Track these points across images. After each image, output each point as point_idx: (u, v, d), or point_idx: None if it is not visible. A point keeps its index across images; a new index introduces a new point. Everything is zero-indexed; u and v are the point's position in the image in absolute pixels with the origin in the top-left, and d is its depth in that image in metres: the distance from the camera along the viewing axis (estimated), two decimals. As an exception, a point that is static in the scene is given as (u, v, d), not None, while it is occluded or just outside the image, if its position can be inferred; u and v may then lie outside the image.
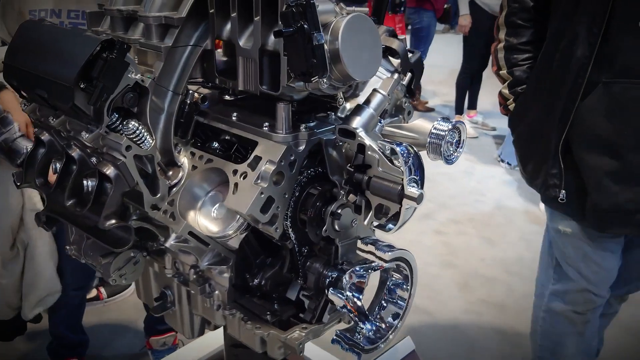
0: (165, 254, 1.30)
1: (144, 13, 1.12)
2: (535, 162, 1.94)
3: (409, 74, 1.26)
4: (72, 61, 1.00)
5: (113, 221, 1.09)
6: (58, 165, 1.17)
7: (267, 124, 1.10)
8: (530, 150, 1.98)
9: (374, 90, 1.11)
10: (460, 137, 1.14)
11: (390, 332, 1.19)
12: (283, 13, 0.93)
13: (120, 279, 1.33)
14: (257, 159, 1.07)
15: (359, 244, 1.13)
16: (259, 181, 1.04)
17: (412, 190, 1.00)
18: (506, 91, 2.05)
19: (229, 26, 1.11)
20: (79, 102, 1.00)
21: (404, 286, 1.20)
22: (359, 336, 1.16)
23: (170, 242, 1.13)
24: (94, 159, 1.12)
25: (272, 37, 1.05)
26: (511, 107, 2.05)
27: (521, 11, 1.94)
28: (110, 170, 1.06)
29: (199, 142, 1.20)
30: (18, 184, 1.26)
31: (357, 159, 1.07)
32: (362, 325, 1.17)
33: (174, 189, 1.14)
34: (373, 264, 1.12)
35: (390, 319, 1.22)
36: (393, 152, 1.04)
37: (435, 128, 1.11)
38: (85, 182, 1.09)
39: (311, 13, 0.92)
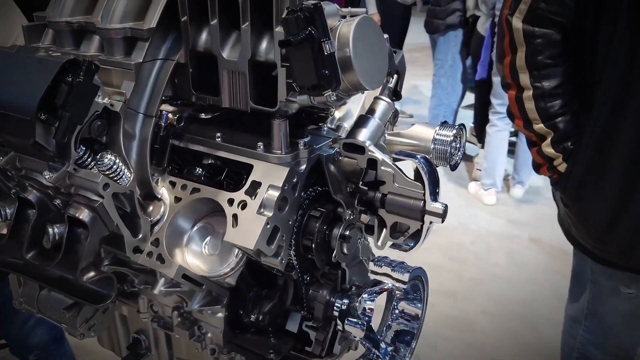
0: (139, 296, 1.14)
1: (103, 25, 0.95)
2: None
3: (395, 76, 1.17)
4: (30, 89, 0.82)
5: (92, 274, 0.93)
6: (8, 212, 0.97)
7: (260, 143, 0.97)
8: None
9: (377, 98, 1.01)
10: (461, 140, 1.07)
11: (408, 354, 1.11)
12: (287, 19, 0.81)
13: (89, 332, 1.16)
14: (256, 184, 0.94)
15: (372, 267, 1.03)
16: (262, 210, 0.92)
17: (436, 205, 0.92)
18: (551, 150, 1.54)
19: (206, 35, 0.97)
20: (39, 137, 0.83)
21: (416, 304, 1.12)
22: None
23: (160, 288, 0.97)
24: (57, 202, 0.94)
25: (263, 47, 0.93)
26: (561, 167, 1.56)
27: (548, 47, 1.45)
28: (84, 214, 0.89)
29: (176, 169, 1.05)
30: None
31: (367, 176, 0.97)
32: (377, 353, 1.08)
33: (156, 227, 0.99)
34: (386, 286, 1.03)
35: (401, 340, 1.14)
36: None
37: (438, 134, 1.03)
38: (50, 229, 0.91)
39: (320, 18, 0.81)
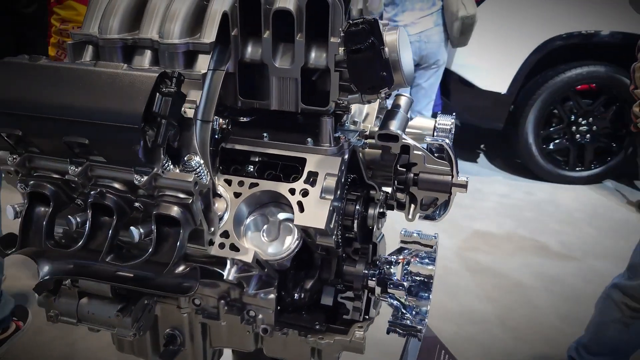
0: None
1: (166, 40, 1.04)
2: None
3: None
4: (130, 100, 0.90)
5: (183, 267, 1.01)
6: (78, 220, 1.02)
7: (309, 139, 1.12)
8: None
9: (399, 94, 1.20)
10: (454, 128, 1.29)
11: (427, 305, 1.30)
12: (352, 31, 0.98)
13: (139, 331, 1.22)
14: (313, 174, 1.09)
15: (402, 237, 1.22)
16: (323, 195, 1.07)
17: (461, 178, 1.13)
18: (637, 109, 2.08)
19: (256, 47, 1.10)
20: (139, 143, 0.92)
21: (429, 264, 1.31)
22: (405, 320, 1.26)
23: (233, 274, 1.08)
24: (137, 204, 1.01)
25: (314, 55, 1.07)
26: None
27: None
28: (176, 212, 0.98)
29: (224, 168, 1.16)
30: (8, 251, 1.07)
31: (401, 160, 1.15)
32: (404, 311, 1.27)
33: (222, 221, 1.09)
34: (414, 252, 1.23)
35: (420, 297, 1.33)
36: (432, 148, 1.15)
37: (439, 124, 1.25)
38: (135, 230, 0.98)
39: (379, 29, 0.98)
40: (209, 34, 1.05)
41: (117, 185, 1.01)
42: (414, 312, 1.27)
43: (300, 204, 1.07)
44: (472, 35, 3.96)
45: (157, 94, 0.92)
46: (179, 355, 1.34)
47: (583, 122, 4.53)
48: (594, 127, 4.53)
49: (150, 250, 0.99)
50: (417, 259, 1.28)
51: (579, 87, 4.42)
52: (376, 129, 1.29)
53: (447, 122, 1.24)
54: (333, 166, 1.09)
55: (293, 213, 1.10)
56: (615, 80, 4.34)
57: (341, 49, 1.04)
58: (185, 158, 0.99)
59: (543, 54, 4.28)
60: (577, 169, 4.65)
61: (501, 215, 4.07)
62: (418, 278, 1.25)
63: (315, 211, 1.06)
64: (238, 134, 1.16)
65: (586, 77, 4.36)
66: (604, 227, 4.03)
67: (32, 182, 1.05)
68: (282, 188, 1.09)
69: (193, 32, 1.07)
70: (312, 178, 1.09)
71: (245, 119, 1.19)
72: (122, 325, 1.18)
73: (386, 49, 1.00)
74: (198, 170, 1.00)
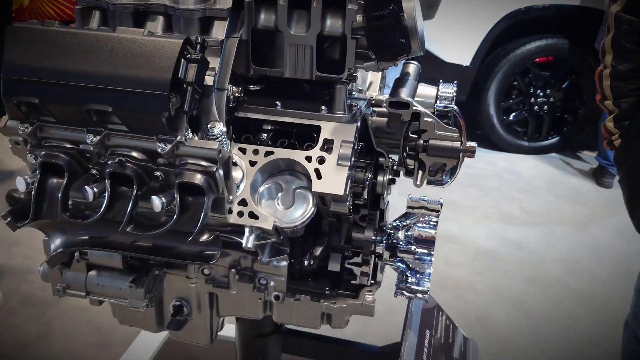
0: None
1: (182, 6, 1.02)
2: None
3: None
4: (156, 67, 0.89)
5: (206, 235, 1.01)
6: (95, 190, 1.01)
7: (323, 107, 1.13)
8: None
9: (407, 62, 1.22)
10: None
11: (430, 267, 1.34)
12: None
13: (151, 302, 1.22)
14: (329, 141, 1.10)
15: (410, 203, 1.26)
16: (340, 162, 1.08)
17: (470, 144, 1.16)
18: (611, 124, 1.74)
19: (270, 14, 1.09)
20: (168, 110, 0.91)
21: (431, 227, 1.35)
22: (411, 282, 1.30)
23: (251, 242, 1.09)
24: (158, 173, 1.00)
25: (328, 22, 1.08)
26: (617, 142, 1.75)
27: (631, 33, 1.61)
28: (200, 180, 0.97)
29: (236, 137, 1.16)
30: (19, 224, 1.04)
31: (411, 127, 1.18)
32: (409, 274, 1.31)
33: (239, 189, 1.10)
34: (420, 217, 1.26)
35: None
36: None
37: (442, 92, 1.28)
38: (158, 199, 0.98)
39: (398, -3, 1.00)
40: (225, 0, 1.04)
41: (135, 154, 1.00)
42: (417, 275, 1.32)
43: (317, 171, 1.08)
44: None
45: (183, 60, 0.91)
46: (185, 325, 1.34)
47: (541, 94, 4.68)
48: (551, 98, 4.69)
49: (174, 218, 0.98)
50: (421, 223, 1.32)
51: (537, 59, 4.55)
52: (382, 97, 1.31)
53: (449, 90, 1.27)
54: (348, 133, 1.11)
55: (306, 181, 1.12)
56: (571, 53, 4.49)
57: (359, 16, 1.04)
58: (209, 126, 0.99)
59: (504, 27, 4.37)
60: (536, 139, 4.82)
61: (465, 185, 4.18)
62: (421, 242, 1.29)
63: (333, 178, 1.07)
64: (250, 102, 1.16)
65: (544, 50, 4.49)
66: (562, 194, 4.21)
67: (44, 152, 1.02)
68: (298, 156, 1.10)
69: (206, -1, 1.05)
70: (327, 145, 1.11)
71: (256, 87, 1.19)
72: (134, 296, 1.18)
73: (405, 16, 1.01)
74: (221, 138, 0.99)
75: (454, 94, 1.27)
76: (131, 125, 0.96)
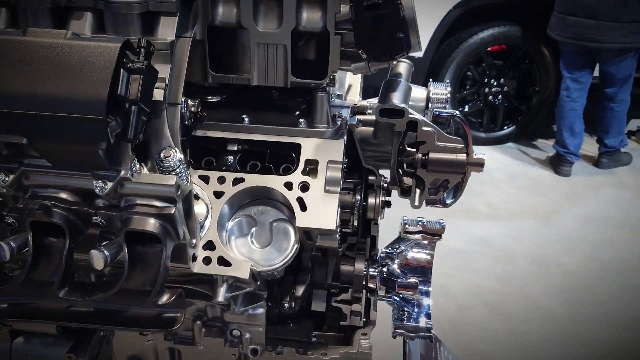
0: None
1: (116, -1, 0.78)
2: None
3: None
4: (86, 82, 0.65)
5: (166, 296, 0.78)
6: (12, 245, 0.76)
7: (301, 120, 0.92)
8: None
9: (399, 60, 1.02)
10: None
11: (429, 298, 1.15)
12: None
13: (97, 371, 0.98)
14: (312, 162, 0.89)
15: (407, 228, 1.06)
16: (328, 188, 0.88)
17: (478, 156, 0.98)
18: None
19: (230, 7, 0.87)
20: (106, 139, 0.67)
21: (427, 253, 1.17)
22: (412, 320, 1.11)
23: (223, 295, 0.87)
24: (98, 219, 0.77)
25: (305, 15, 0.86)
26: None
27: None
28: (154, 226, 0.74)
29: (195, 161, 0.93)
30: None
31: (407, 138, 0.98)
32: (407, 309, 1.11)
33: (204, 228, 0.87)
34: (420, 241, 1.07)
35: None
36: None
37: (434, 93, 1.09)
38: (99, 254, 0.74)
39: (395, -20, 0.79)
40: (173, -9, 0.81)
41: (65, 196, 0.76)
42: (415, 309, 1.13)
43: (300, 200, 0.87)
44: None
45: (122, 70, 0.68)
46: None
47: (495, 83, 4.60)
48: (505, 87, 4.61)
49: (123, 276, 0.75)
50: (416, 248, 1.13)
51: (490, 48, 4.46)
52: (365, 102, 1.11)
53: (441, 90, 1.08)
54: (335, 151, 0.90)
55: (286, 211, 0.91)
56: (524, 40, 4.42)
57: (343, 7, 0.83)
58: (162, 154, 0.76)
59: (457, 15, 4.25)
60: (491, 130, 4.74)
61: (426, 180, 4.04)
62: (417, 271, 1.10)
63: (321, 209, 0.87)
64: (210, 117, 0.93)
65: (497, 38, 4.39)
66: (523, 185, 4.14)
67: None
68: (276, 182, 0.89)
69: (148, -12, 0.81)
70: (309, 167, 0.90)
71: (216, 98, 0.96)
72: (76, 366, 0.94)
73: (403, 4, 0.81)
74: (179, 169, 0.77)
75: (448, 95, 1.08)
76: (56, 160, 0.72)
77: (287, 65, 0.88)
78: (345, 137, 0.94)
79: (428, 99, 1.09)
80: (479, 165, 0.98)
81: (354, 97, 1.13)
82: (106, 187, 0.72)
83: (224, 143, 0.93)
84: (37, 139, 0.67)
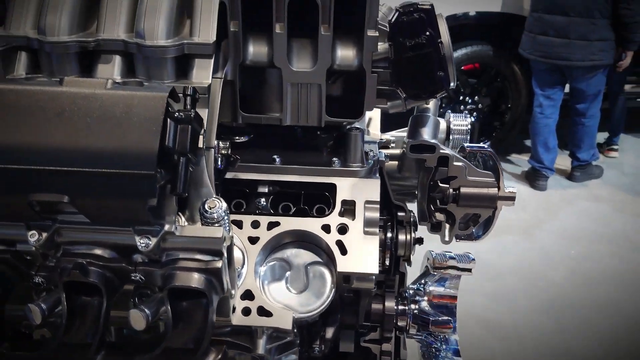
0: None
1: (150, 42, 0.74)
2: None
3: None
4: (131, 133, 0.61)
5: (212, 355, 0.74)
6: (43, 306, 0.71)
7: (335, 159, 0.89)
8: None
9: (426, 95, 1.00)
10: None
11: (455, 332, 1.13)
12: (402, 22, 0.76)
13: None
14: (348, 203, 0.86)
15: (436, 264, 1.04)
16: (367, 229, 0.85)
17: (510, 190, 0.97)
18: None
19: (262, 46, 0.84)
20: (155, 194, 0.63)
21: (454, 289, 1.15)
22: (441, 357, 1.08)
23: (263, 347, 0.83)
24: (138, 276, 0.72)
25: (343, 53, 0.84)
26: None
27: None
28: (201, 282, 0.70)
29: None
30: None
31: (438, 173, 0.96)
32: (437, 345, 1.09)
33: (241, 277, 0.83)
34: (451, 277, 1.05)
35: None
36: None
37: (455, 125, 1.08)
38: (140, 314, 0.70)
39: (435, 18, 0.78)
40: (207, 31, 0.77)
41: (101, 253, 0.71)
42: (443, 345, 1.10)
43: (340, 244, 0.84)
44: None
45: (170, 120, 0.64)
46: None
47: (469, 101, 4.67)
48: (479, 104, 4.68)
49: (167, 335, 0.71)
50: (444, 284, 1.11)
51: (464, 67, 4.53)
52: (388, 135, 1.09)
53: (462, 122, 1.07)
54: (372, 190, 0.87)
55: (321, 253, 0.87)
56: (496, 59, 4.50)
57: (381, 45, 0.82)
58: (207, 205, 0.72)
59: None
60: (467, 146, 4.80)
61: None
62: (443, 307, 1.08)
63: (362, 252, 0.84)
64: (242, 159, 0.90)
65: (471, 57, 4.47)
66: (501, 201, 4.19)
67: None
68: (313, 225, 0.85)
69: (180, 29, 0.78)
70: (346, 208, 0.87)
71: (244, 139, 0.93)
72: None
73: (442, 42, 0.80)
74: (222, 220, 0.73)
75: (469, 127, 1.07)
76: (96, 216, 0.67)
77: (321, 105, 0.85)
78: (378, 175, 0.91)
79: (449, 131, 1.08)
80: (510, 199, 0.97)
81: (375, 130, 1.11)
82: (150, 243, 0.67)
83: (255, 185, 0.89)
84: (79, 197, 0.63)
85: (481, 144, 1.00)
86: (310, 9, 0.80)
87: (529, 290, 3.16)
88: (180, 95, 0.68)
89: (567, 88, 4.22)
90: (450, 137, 1.07)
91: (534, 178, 4.38)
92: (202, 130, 0.74)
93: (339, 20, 0.81)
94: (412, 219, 1.02)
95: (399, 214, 1.01)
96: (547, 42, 3.90)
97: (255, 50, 0.84)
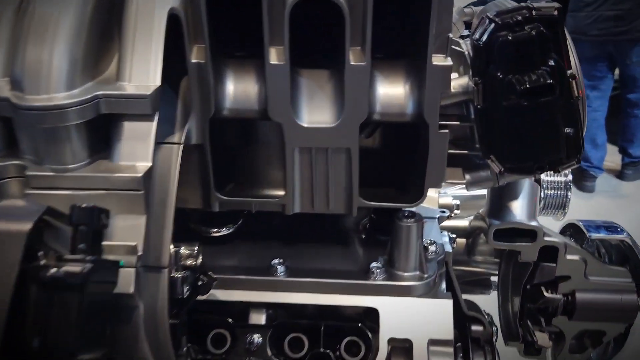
0: None
1: (30, 97, 0.40)
2: None
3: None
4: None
5: None
6: None
7: (374, 265, 0.54)
8: None
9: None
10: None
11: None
12: (506, 43, 0.40)
13: None
14: (398, 341, 0.51)
15: None
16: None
17: (655, 295, 0.60)
18: None
19: (249, 85, 0.48)
20: None
21: None
22: None
23: None
24: None
25: (381, 95, 0.48)
26: None
27: None
28: None
29: (196, 342, 0.55)
30: None
31: (539, 272, 0.60)
32: None
33: None
34: None
35: None
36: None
37: (547, 182, 0.72)
38: None
39: (564, 35, 0.42)
40: (145, 70, 0.42)
41: None
42: None
43: None
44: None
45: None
46: None
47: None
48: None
49: None
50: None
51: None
52: (449, 198, 0.73)
53: (556, 177, 0.71)
54: (440, 322, 0.52)
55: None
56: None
57: (456, 79, 0.46)
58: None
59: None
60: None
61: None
62: None
63: None
64: (215, 263, 0.55)
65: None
66: (546, 205, 3.82)
67: None
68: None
69: (96, 69, 0.43)
70: (392, 345, 0.52)
71: (223, 231, 0.58)
72: None
73: (577, 81, 0.44)
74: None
75: (569, 182, 0.72)
76: None
77: (351, 182, 0.50)
78: (447, 291, 0.56)
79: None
80: (655, 309, 0.61)
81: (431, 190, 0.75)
82: None
83: (244, 311, 0.54)
84: None
85: (611, 223, 0.63)
86: (329, 21, 0.45)
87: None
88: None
89: (616, 76, 3.78)
90: (544, 192, 0.71)
91: (580, 178, 3.96)
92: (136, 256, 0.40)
93: (380, 38, 0.46)
94: (493, 336, 0.66)
95: (474, 328, 0.65)
96: (591, 16, 3.40)
97: (237, 92, 0.48)
